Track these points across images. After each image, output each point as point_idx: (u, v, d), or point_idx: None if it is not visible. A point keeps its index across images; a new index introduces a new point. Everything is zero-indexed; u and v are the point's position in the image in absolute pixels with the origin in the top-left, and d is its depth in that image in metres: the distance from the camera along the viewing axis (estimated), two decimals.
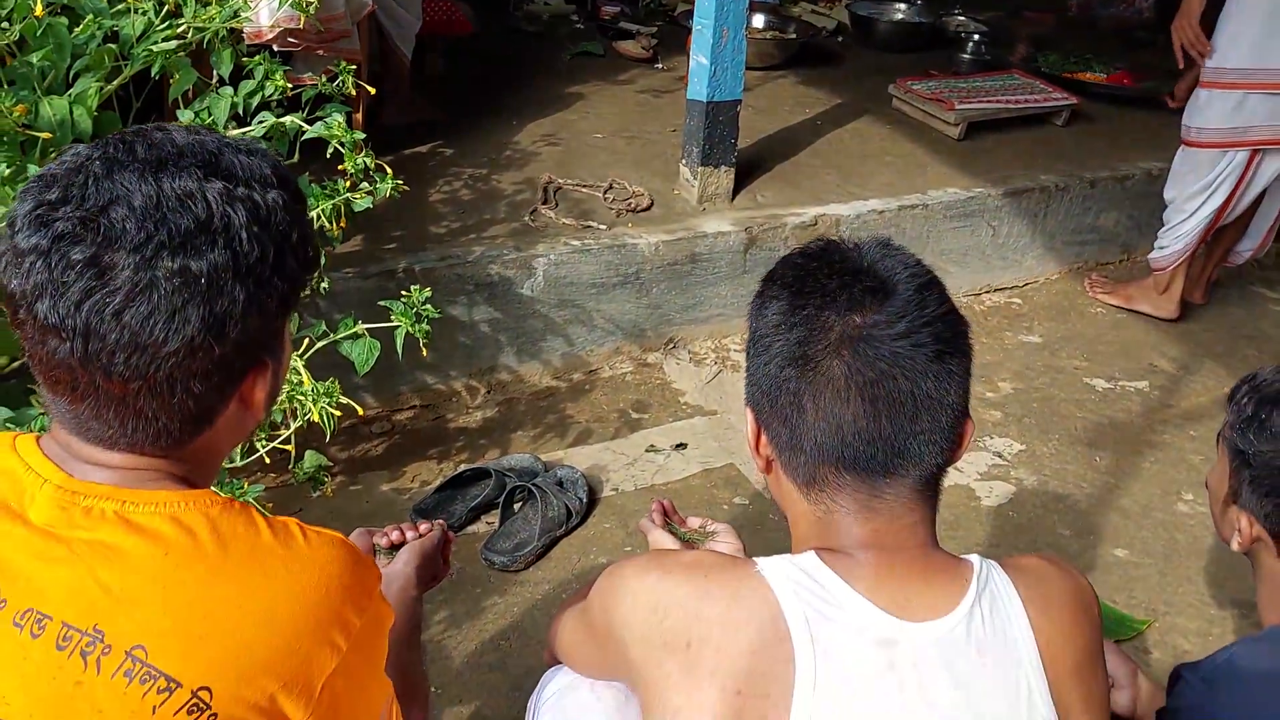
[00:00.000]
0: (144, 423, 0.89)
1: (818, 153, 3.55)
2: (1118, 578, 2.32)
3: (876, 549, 0.99)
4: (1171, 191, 3.30)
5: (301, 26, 2.25)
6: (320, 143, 2.04)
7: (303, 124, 1.97)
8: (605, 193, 3.06)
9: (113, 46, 1.89)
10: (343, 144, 1.94)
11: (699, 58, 2.95)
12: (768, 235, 3.01)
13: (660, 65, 4.20)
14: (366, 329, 1.99)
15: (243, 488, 1.78)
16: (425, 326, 1.96)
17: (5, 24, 1.78)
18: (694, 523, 1.58)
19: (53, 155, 1.82)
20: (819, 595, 0.96)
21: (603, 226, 2.88)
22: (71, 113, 1.81)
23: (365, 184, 2.02)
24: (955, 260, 3.41)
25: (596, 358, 2.91)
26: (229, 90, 1.97)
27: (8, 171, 1.62)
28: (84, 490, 0.89)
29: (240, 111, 1.97)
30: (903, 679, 0.93)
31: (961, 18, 5.01)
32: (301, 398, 1.82)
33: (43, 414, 1.78)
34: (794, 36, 4.40)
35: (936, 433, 1.00)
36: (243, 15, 1.99)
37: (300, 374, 1.85)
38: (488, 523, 2.35)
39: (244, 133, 1.96)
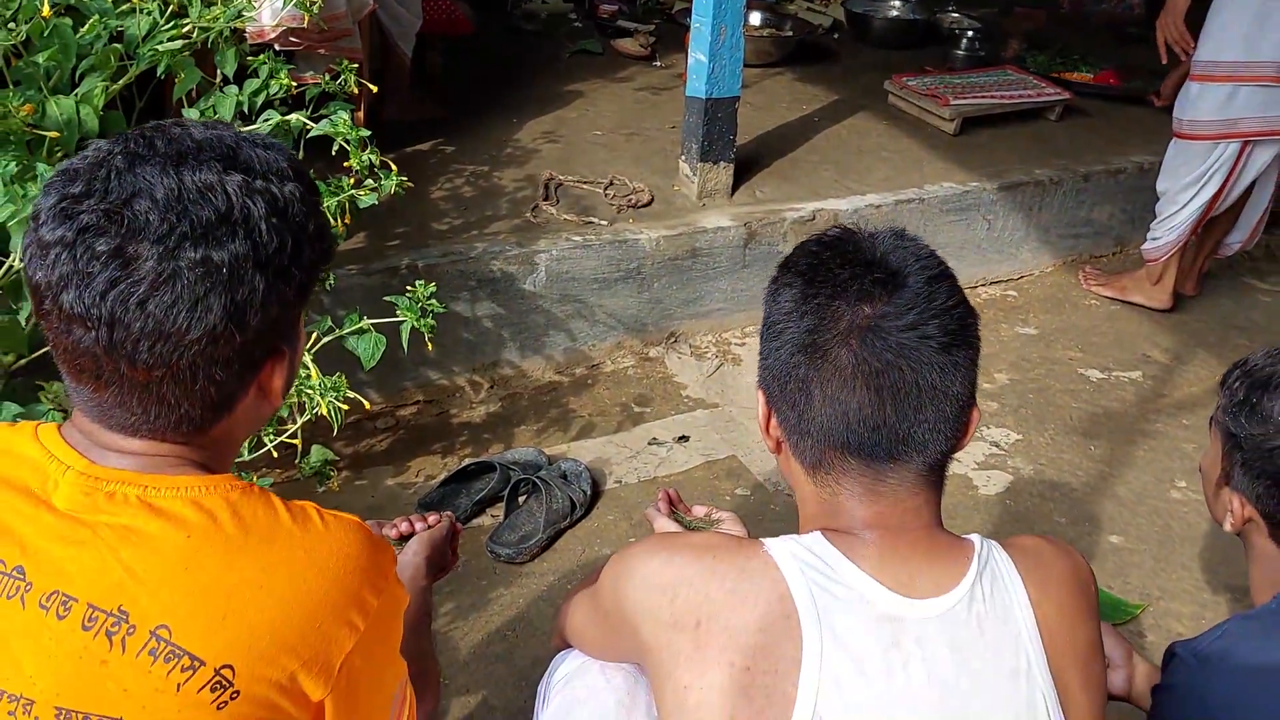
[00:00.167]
0: (166, 409, 0.91)
1: (815, 148, 3.58)
2: (1113, 564, 2.35)
3: (881, 529, 1.02)
4: (1164, 183, 3.33)
5: (305, 26, 2.26)
6: (324, 140, 2.06)
7: (308, 122, 1.99)
8: (606, 189, 3.08)
9: (118, 46, 1.92)
10: (348, 141, 1.96)
11: (697, 55, 2.98)
12: (767, 230, 3.04)
13: (658, 63, 4.23)
14: (372, 324, 2.01)
15: (251, 480, 1.81)
16: (430, 321, 1.99)
17: (11, 24, 1.80)
18: (699, 511, 1.61)
19: (59, 154, 1.85)
20: (825, 574, 0.98)
21: (604, 222, 2.91)
22: (78, 112, 1.83)
23: (370, 181, 2.04)
24: (951, 254, 3.40)
25: (599, 352, 2.93)
26: (234, 89, 2.00)
27: (15, 169, 1.64)
28: (107, 476, 0.92)
29: (245, 110, 1.99)
30: (907, 654, 0.96)
31: (955, 14, 5.04)
32: (310, 391, 1.84)
33: (51, 409, 1.81)
34: (790, 34, 4.42)
35: (941, 421, 1.02)
36: (246, 15, 2.01)
37: (309, 368, 1.87)
38: (492, 516, 2.38)
39: (250, 130, 1.98)
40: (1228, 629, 1.23)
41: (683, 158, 3.16)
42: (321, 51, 2.73)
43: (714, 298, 3.05)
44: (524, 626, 2.10)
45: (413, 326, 1.99)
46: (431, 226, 2.80)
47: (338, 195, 2.00)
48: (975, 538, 1.04)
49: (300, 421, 1.97)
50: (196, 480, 0.93)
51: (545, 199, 3.00)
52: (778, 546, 1.01)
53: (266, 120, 1.98)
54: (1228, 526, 1.36)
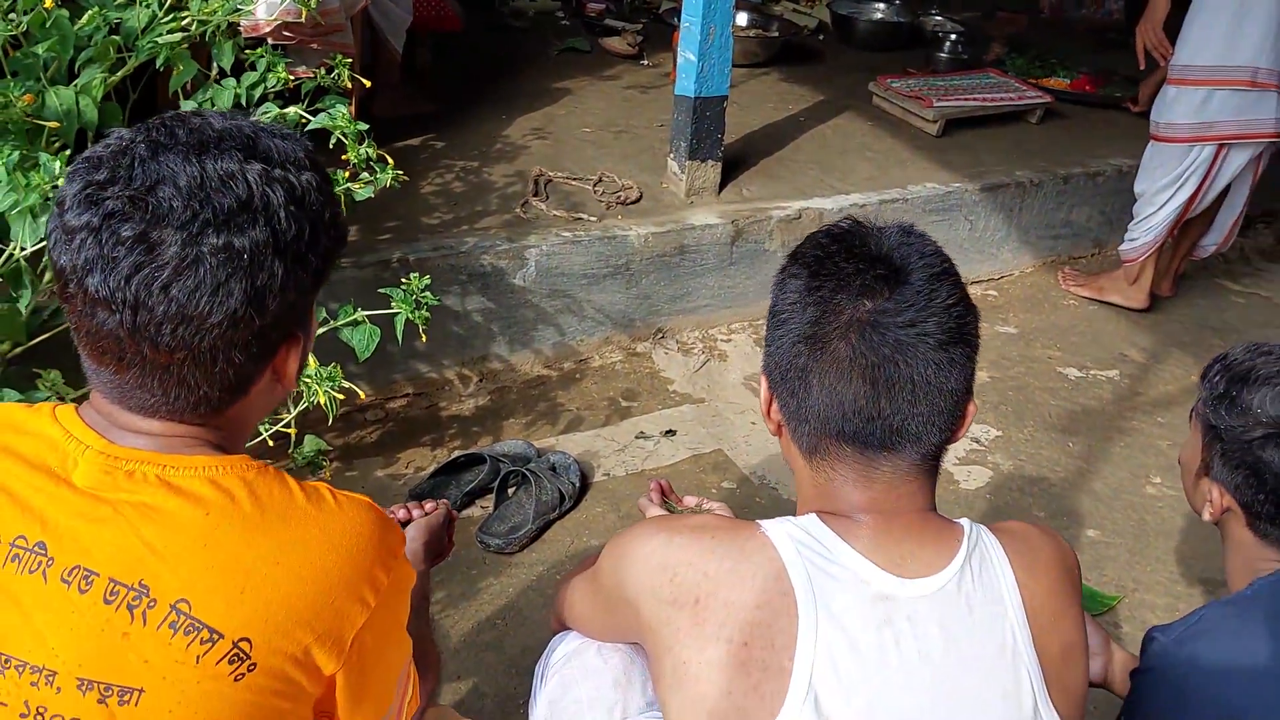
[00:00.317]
0: (186, 391, 0.94)
1: (801, 148, 3.62)
2: (1089, 557, 2.40)
3: (874, 513, 1.06)
4: (1141, 185, 3.40)
5: (303, 20, 2.29)
6: (319, 134, 2.08)
7: (305, 115, 2.01)
8: (595, 185, 3.11)
9: (116, 38, 1.94)
10: (345, 134, 1.98)
11: (687, 54, 3.02)
12: (753, 228, 3.08)
13: (646, 61, 4.27)
14: (366, 315, 2.03)
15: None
16: (425, 313, 2.01)
17: (12, 15, 1.82)
18: (690, 501, 1.64)
19: (57, 144, 1.86)
20: (820, 554, 1.02)
21: (593, 218, 2.94)
22: (78, 103, 1.85)
23: (366, 174, 2.06)
24: None
25: (587, 347, 2.97)
26: (232, 82, 2.02)
27: (17, 159, 1.66)
28: (126, 455, 0.94)
29: (243, 103, 2.01)
30: (898, 631, 1.00)
31: (939, 17, 5.11)
32: (307, 380, 1.87)
33: (50, 396, 1.82)
34: (776, 35, 4.47)
35: (935, 414, 1.05)
36: (243, 9, 2.03)
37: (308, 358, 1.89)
38: (482, 507, 2.41)
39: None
40: (1205, 614, 1.28)
41: (671, 155, 3.20)
42: (314, 46, 2.75)
43: (701, 294, 3.09)
44: (514, 615, 2.13)
45: (406, 319, 2.02)
46: (421, 221, 2.83)
47: (334, 188, 2.02)
48: (965, 521, 1.08)
49: (295, 411, 1.99)
50: (213, 460, 0.96)
51: (535, 195, 3.03)
52: (774, 528, 1.05)
53: (265, 113, 2.00)
54: (1206, 516, 1.40)
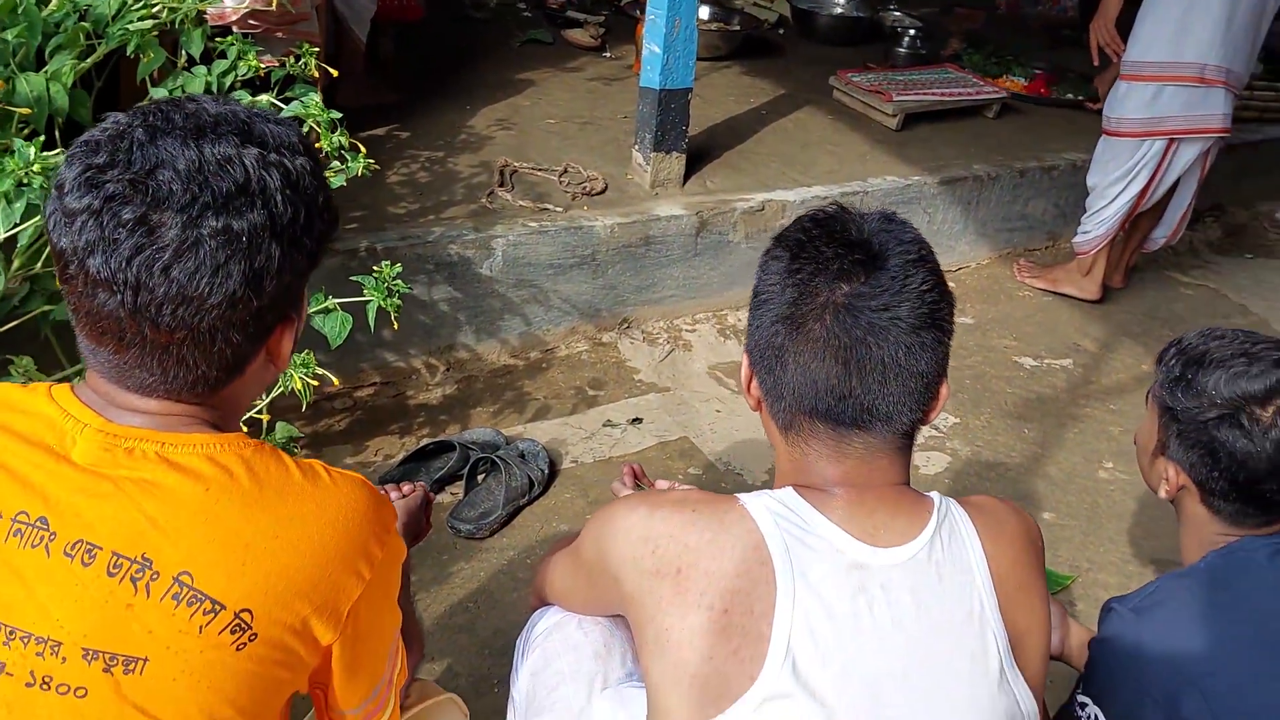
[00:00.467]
0: (185, 370, 0.96)
1: (763, 141, 3.67)
2: (1045, 539, 2.46)
3: (848, 486, 1.10)
4: (1094, 178, 3.49)
5: (273, 7, 2.29)
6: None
7: (277, 103, 2.02)
8: (560, 176, 3.14)
9: (86, 25, 1.93)
10: (319, 123, 2.00)
11: (652, 46, 3.05)
12: (718, 220, 3.13)
13: (608, 54, 4.29)
14: (338, 303, 2.05)
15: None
16: (396, 301, 2.03)
17: None
18: (661, 485, 1.68)
19: (25, 131, 1.86)
20: (797, 525, 1.06)
21: (559, 209, 2.97)
22: (48, 89, 1.85)
23: (337, 163, 2.08)
24: None
25: (553, 337, 3.00)
26: (203, 69, 2.02)
27: None
28: (124, 433, 0.96)
29: (214, 91, 2.02)
30: (872, 598, 1.04)
31: (897, 13, 5.18)
32: None
33: (23, 383, 1.82)
34: (738, 28, 4.51)
35: (906, 395, 1.10)
36: None
37: None
38: (452, 493, 2.44)
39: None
40: (1160, 585, 1.34)
41: (636, 147, 3.23)
42: (279, 35, 2.74)
43: (666, 285, 3.13)
44: (485, 599, 2.16)
45: (378, 306, 2.03)
46: (388, 210, 2.84)
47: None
48: (935, 495, 1.13)
49: (269, 398, 2.01)
50: (211, 438, 0.98)
51: (501, 185, 3.05)
52: (752, 501, 1.09)
53: (237, 102, 2.00)
54: (1162, 493, 1.46)
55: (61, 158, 1.64)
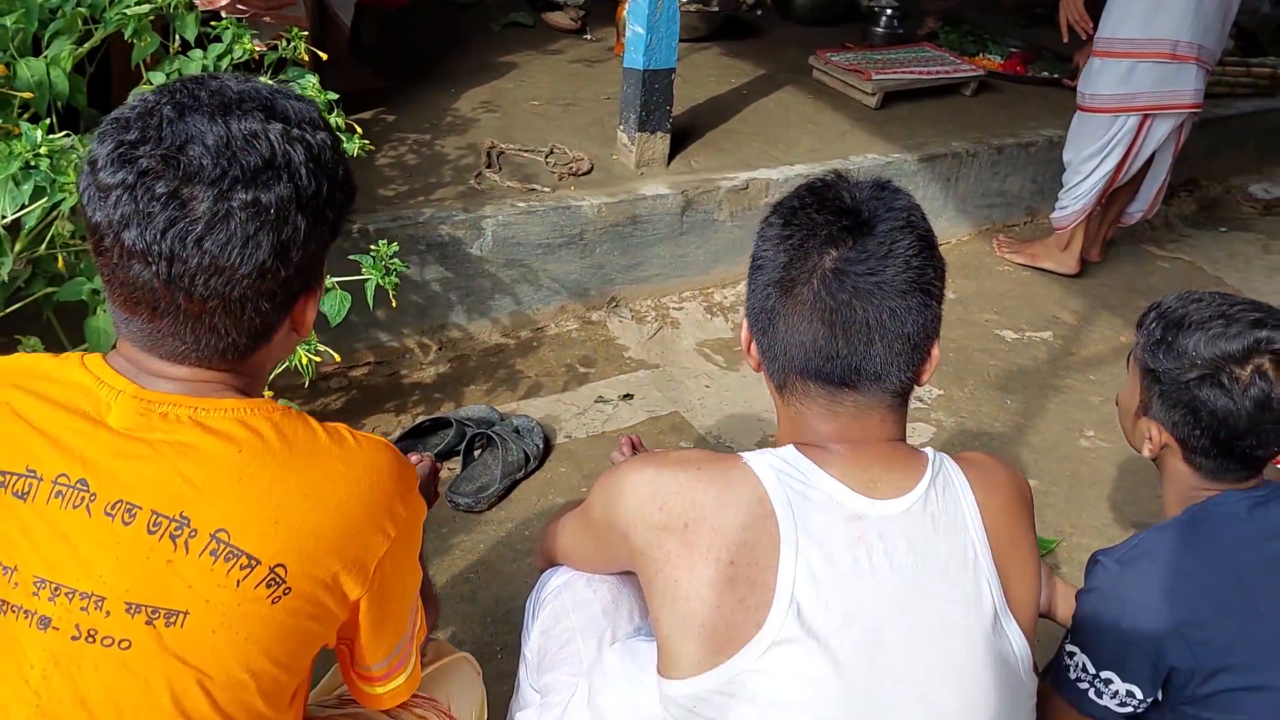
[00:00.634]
0: (216, 338, 1.00)
1: (745, 120, 3.72)
2: None
3: (845, 442, 1.15)
4: (1069, 153, 3.55)
5: None
6: None
7: (275, 86, 2.05)
8: (546, 157, 3.18)
9: (83, 10, 1.96)
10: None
11: (635, 27, 3.09)
12: (703, 198, 3.17)
13: (589, 36, 4.32)
14: (336, 282, 2.08)
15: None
16: (394, 279, 2.07)
17: None
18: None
19: (26, 115, 1.89)
20: (798, 479, 1.11)
21: (546, 189, 3.01)
22: (49, 74, 1.87)
23: None
24: None
25: (543, 316, 3.04)
26: (199, 53, 2.05)
27: None
28: (158, 399, 1.00)
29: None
30: (870, 547, 1.09)
31: None
32: None
33: None
34: (717, 9, 4.55)
35: (893, 356, 1.14)
36: None
37: None
38: (449, 469, 2.48)
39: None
40: (1144, 538, 1.40)
41: (621, 128, 3.27)
42: (267, 20, 2.77)
43: (653, 264, 3.18)
44: (486, 569, 2.21)
45: (376, 284, 2.07)
46: (378, 193, 2.87)
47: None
48: (929, 450, 1.19)
49: (271, 375, 2.04)
50: (241, 402, 1.02)
51: (488, 166, 3.09)
52: (755, 458, 1.14)
53: None
54: (1146, 452, 1.52)
55: (67, 141, 1.69)
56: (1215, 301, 1.44)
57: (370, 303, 2.09)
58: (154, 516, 0.96)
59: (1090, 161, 3.49)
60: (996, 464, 1.24)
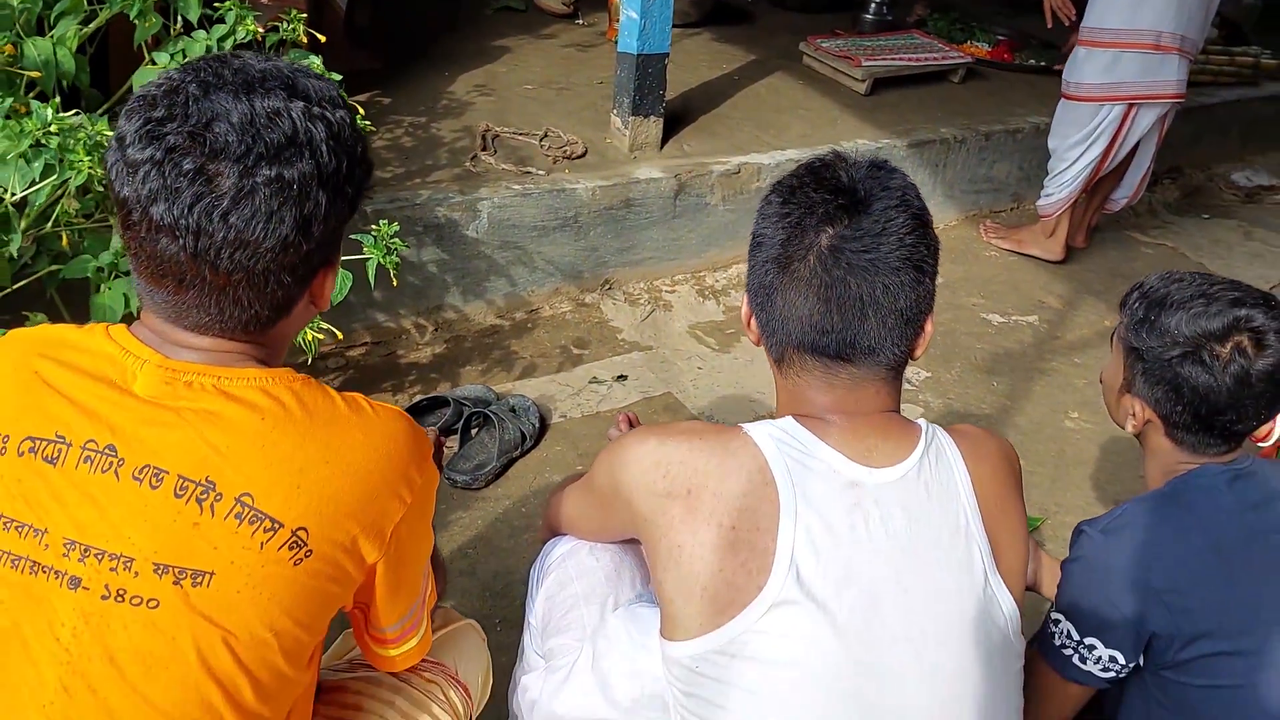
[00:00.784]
0: (240, 310, 1.04)
1: (737, 105, 3.75)
2: None
3: (841, 413, 1.20)
4: (1054, 140, 3.60)
5: None
6: None
7: (295, 65, 2.07)
8: (541, 140, 3.21)
9: None
10: None
11: (629, 12, 3.12)
12: (695, 182, 3.21)
13: (580, 20, 4.35)
14: None
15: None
16: (395, 259, 2.10)
17: None
18: None
19: (33, 94, 1.91)
20: (798, 449, 1.16)
21: (541, 172, 3.04)
22: (55, 53, 1.90)
23: None
24: None
25: (537, 297, 3.07)
26: (202, 34, 2.07)
27: (9, 104, 1.71)
28: (182, 368, 1.04)
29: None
30: (867, 513, 1.14)
31: None
32: None
33: None
34: None
35: (886, 331, 1.19)
36: None
37: None
38: (447, 447, 2.52)
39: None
40: (1127, 509, 1.45)
41: (614, 111, 3.31)
42: (265, 1, 2.79)
43: (646, 247, 3.22)
44: (483, 544, 2.25)
45: (377, 264, 2.10)
46: (375, 174, 2.89)
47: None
48: (922, 422, 1.23)
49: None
50: (262, 372, 1.06)
51: (483, 149, 3.12)
52: (756, 429, 1.19)
53: None
54: (1129, 428, 1.57)
55: (76, 119, 1.71)
56: (1196, 281, 1.48)
57: (372, 282, 2.13)
58: (181, 481, 0.99)
59: (1075, 149, 3.54)
60: (987, 435, 1.29)
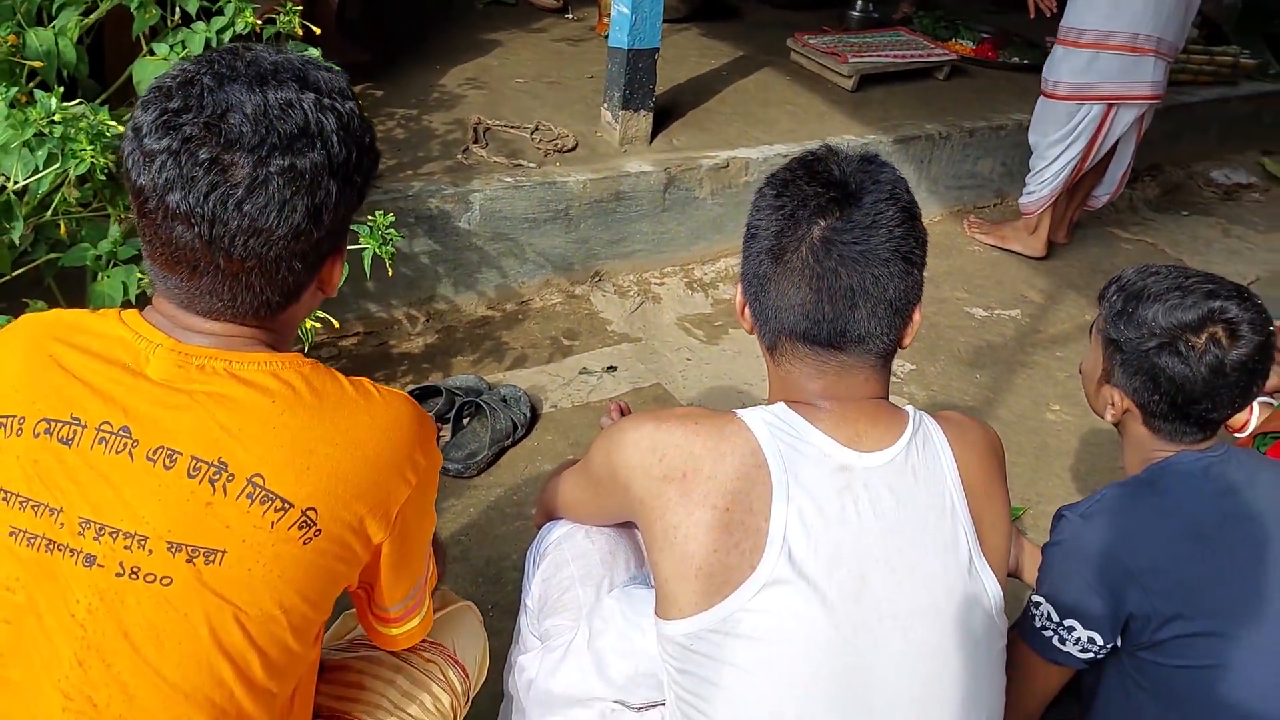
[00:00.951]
0: (251, 296, 1.07)
1: (725, 101, 3.79)
2: None
3: (832, 399, 1.24)
4: (1034, 135, 3.65)
5: None
6: None
7: (305, 57, 2.10)
8: (532, 134, 3.24)
9: None
10: None
11: (620, 7, 3.15)
12: (685, 175, 3.25)
13: (570, 15, 4.37)
14: None
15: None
16: (391, 249, 2.13)
17: None
18: None
19: (34, 83, 1.93)
20: (789, 433, 1.20)
21: (532, 165, 3.07)
22: (57, 44, 1.92)
23: None
24: None
25: (528, 289, 3.11)
26: (202, 25, 2.09)
27: (13, 94, 1.73)
28: (194, 352, 1.07)
29: (214, 47, 2.09)
30: (856, 495, 1.18)
31: None
32: None
33: None
34: None
35: (875, 320, 1.23)
36: None
37: None
38: (439, 435, 2.55)
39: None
40: (1106, 494, 1.49)
41: (605, 105, 3.34)
42: None
43: (636, 239, 3.25)
44: (476, 532, 2.28)
45: (375, 252, 2.13)
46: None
47: None
48: (910, 408, 1.28)
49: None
50: (272, 356, 1.09)
51: (475, 142, 3.14)
52: (749, 414, 1.22)
53: None
54: (1108, 417, 1.62)
55: (79, 109, 1.74)
56: (1172, 274, 1.53)
57: (367, 272, 2.15)
58: (194, 462, 1.02)
59: (1056, 147, 3.59)
60: (972, 422, 1.33)
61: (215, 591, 1.02)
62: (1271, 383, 2.07)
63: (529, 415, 2.61)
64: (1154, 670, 1.44)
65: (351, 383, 1.12)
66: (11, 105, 1.78)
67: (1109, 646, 1.46)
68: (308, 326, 2.01)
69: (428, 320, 2.94)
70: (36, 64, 1.85)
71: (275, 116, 1.03)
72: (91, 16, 2.00)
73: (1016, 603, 1.86)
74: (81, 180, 1.86)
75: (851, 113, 3.88)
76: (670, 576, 1.19)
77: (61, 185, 1.84)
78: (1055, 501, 2.58)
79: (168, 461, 1.03)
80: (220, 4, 2.12)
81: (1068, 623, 1.45)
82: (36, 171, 1.71)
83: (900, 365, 3.07)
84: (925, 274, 1.31)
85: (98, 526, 1.02)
